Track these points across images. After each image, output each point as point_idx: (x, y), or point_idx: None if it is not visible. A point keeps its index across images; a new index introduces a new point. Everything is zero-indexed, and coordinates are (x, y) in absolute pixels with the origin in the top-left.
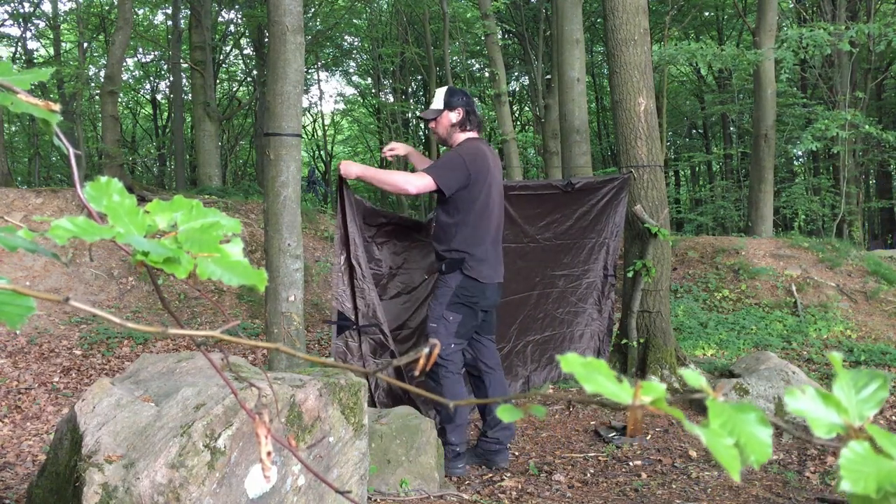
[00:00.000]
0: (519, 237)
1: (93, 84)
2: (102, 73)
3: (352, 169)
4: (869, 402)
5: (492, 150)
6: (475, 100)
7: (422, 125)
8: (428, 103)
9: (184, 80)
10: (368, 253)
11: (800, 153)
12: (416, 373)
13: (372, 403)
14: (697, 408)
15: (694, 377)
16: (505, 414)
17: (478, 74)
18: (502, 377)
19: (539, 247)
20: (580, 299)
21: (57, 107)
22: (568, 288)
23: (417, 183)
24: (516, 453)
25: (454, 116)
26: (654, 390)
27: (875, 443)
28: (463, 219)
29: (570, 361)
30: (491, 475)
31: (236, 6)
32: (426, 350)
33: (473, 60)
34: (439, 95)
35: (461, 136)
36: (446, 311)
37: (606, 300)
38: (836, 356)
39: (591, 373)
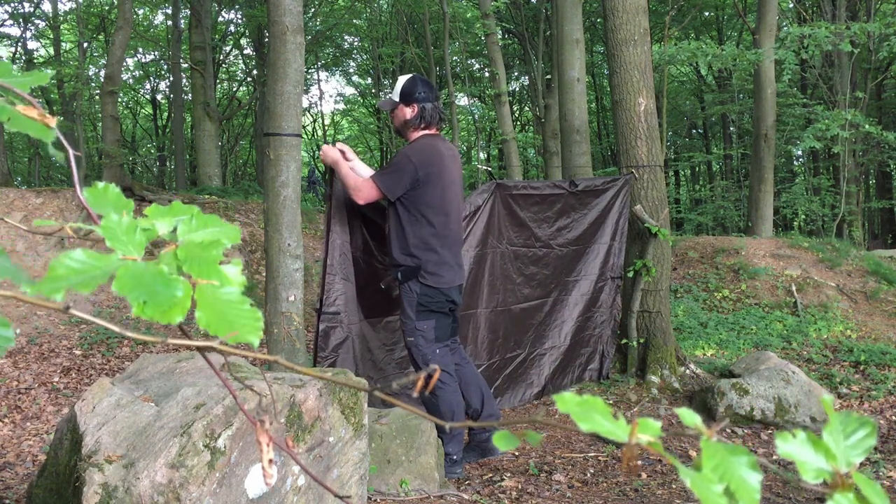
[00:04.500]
0: (530, 241)
1: (93, 84)
2: (102, 73)
3: (328, 157)
4: (856, 449)
5: (450, 147)
6: (476, 99)
7: None
8: None
9: (184, 80)
10: (362, 246)
11: (800, 153)
12: (415, 394)
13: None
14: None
15: (689, 415)
16: (501, 442)
17: (478, 74)
18: (473, 368)
19: (554, 253)
20: (592, 304)
21: (54, 122)
22: (583, 294)
23: (364, 194)
24: (516, 453)
25: (409, 111)
26: (649, 428)
27: (860, 492)
28: (417, 221)
29: (566, 401)
30: (491, 475)
31: (236, 6)
32: (425, 373)
33: (473, 60)
34: (398, 86)
35: (415, 134)
36: (418, 322)
37: (614, 303)
38: (828, 399)
39: (587, 411)
